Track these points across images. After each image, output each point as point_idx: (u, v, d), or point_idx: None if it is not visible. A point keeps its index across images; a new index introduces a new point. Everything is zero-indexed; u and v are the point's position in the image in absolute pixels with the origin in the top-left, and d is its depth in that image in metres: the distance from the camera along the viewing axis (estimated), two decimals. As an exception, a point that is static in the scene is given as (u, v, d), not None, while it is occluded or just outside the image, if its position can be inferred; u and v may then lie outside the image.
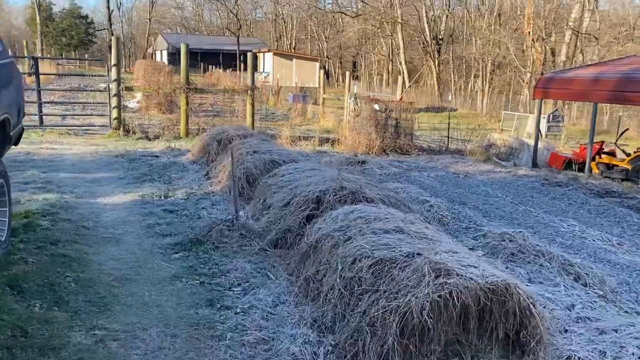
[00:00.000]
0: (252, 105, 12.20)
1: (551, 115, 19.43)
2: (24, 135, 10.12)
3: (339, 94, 38.05)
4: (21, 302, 3.35)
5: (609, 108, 27.51)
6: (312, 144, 12.58)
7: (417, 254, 3.25)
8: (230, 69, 41.97)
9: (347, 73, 16.69)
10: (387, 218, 3.83)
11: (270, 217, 4.78)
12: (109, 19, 56.16)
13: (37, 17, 50.17)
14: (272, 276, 4.06)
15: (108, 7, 56.20)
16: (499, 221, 5.91)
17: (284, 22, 70.67)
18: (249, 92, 12.06)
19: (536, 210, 6.44)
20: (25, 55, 9.85)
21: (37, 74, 10.65)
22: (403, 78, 48.80)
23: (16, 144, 4.92)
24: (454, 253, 3.26)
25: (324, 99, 18.74)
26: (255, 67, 35.57)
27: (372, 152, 12.06)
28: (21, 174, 6.91)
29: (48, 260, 4.04)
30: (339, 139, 13.12)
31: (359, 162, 8.44)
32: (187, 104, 11.46)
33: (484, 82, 39.75)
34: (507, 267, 4.46)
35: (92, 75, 11.29)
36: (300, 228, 4.45)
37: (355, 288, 3.22)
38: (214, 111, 17.23)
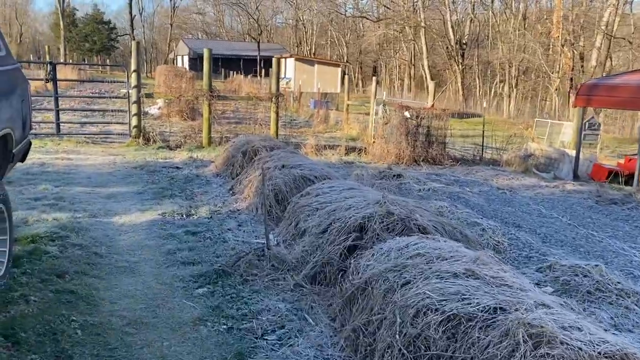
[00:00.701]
0: (277, 114, 11.64)
1: (587, 124, 18.52)
2: (39, 145, 9.72)
3: (358, 99, 37.45)
4: (16, 357, 2.79)
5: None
6: (337, 153, 11.97)
7: (501, 308, 2.61)
8: (251, 74, 41.70)
9: (374, 79, 16.05)
10: (452, 256, 3.18)
11: (305, 245, 4.17)
12: (131, 24, 56.48)
13: (61, 23, 50.66)
14: (311, 320, 3.44)
15: (130, 13, 56.57)
16: (562, 248, 5.20)
17: (304, 27, 70.45)
18: (273, 99, 11.50)
19: (599, 235, 5.72)
20: (47, 59, 9.45)
21: (54, 80, 10.24)
22: (427, 83, 48.03)
23: (22, 160, 4.41)
24: (546, 308, 2.60)
25: (348, 105, 18.12)
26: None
27: (403, 163, 11.41)
28: (33, 189, 6.42)
29: (53, 298, 3.48)
30: (365, 148, 12.49)
31: (393, 175, 7.79)
32: (210, 112, 10.94)
33: (510, 87, 38.69)
34: (584, 309, 3.78)
35: (112, 82, 10.84)
36: (341, 261, 3.83)
37: (422, 351, 2.59)
38: (235, 118, 16.74)
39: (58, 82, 10.78)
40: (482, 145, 14.01)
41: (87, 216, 5.44)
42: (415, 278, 3.01)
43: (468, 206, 6.49)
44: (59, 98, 10.81)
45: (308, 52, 64.96)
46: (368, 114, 21.44)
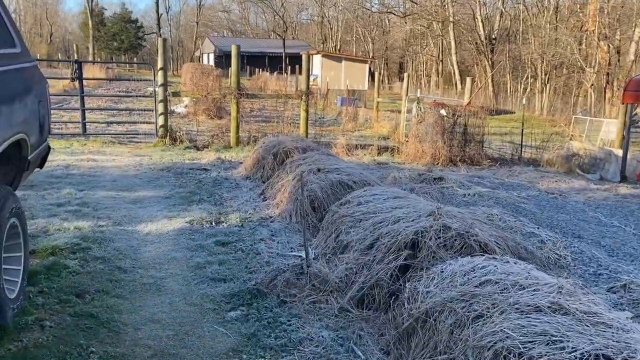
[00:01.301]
0: (307, 112, 11.21)
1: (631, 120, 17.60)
2: (64, 145, 9.49)
3: (384, 95, 36.76)
4: (26, 399, 2.42)
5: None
6: (369, 153, 11.50)
7: (604, 356, 2.12)
8: (276, 71, 41.43)
9: (405, 75, 15.51)
10: (530, 284, 2.69)
11: (349, 262, 3.72)
12: (158, 23, 56.87)
13: (89, 22, 51.25)
14: (360, 353, 2.99)
15: (157, 11, 56.95)
16: (632, 263, 4.64)
17: (330, 24, 69.97)
18: (303, 97, 11.07)
19: (671, 247, 5.12)
20: (76, 58, 9.23)
21: (80, 78, 10.01)
22: (455, 79, 46.99)
23: (41, 166, 4.06)
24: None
25: (378, 102, 17.59)
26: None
27: (439, 163, 10.87)
28: (56, 193, 6.12)
29: (70, 323, 3.12)
30: (398, 148, 11.98)
31: (434, 179, 7.28)
32: (238, 110, 10.58)
33: (543, 83, 37.47)
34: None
35: (139, 80, 10.59)
36: (392, 283, 3.37)
37: (508, 408, 2.12)
38: (262, 117, 16.39)
39: (84, 80, 10.55)
40: (521, 144, 13.34)
41: (110, 224, 5.10)
42: (489, 311, 2.54)
43: (519, 213, 5.95)
44: (85, 97, 10.58)
45: (333, 48, 64.49)
46: (397, 111, 20.87)
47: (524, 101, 18.61)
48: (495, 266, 2.92)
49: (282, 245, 4.78)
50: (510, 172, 9.78)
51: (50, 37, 72.00)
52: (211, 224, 5.38)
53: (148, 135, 10.76)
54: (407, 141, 11.95)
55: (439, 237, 3.47)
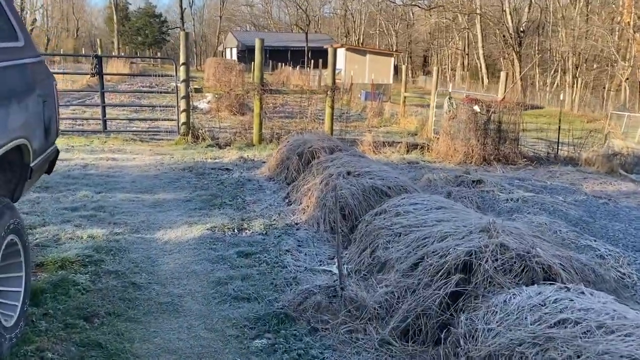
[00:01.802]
0: (332, 108, 10.76)
1: (672, 117, 16.73)
2: (84, 143, 9.22)
3: (409, 89, 35.94)
4: None
5: None
6: (398, 151, 11.01)
7: None
8: (299, 66, 40.98)
9: (434, 69, 14.90)
10: (618, 326, 2.21)
11: (389, 285, 3.27)
12: (181, 17, 56.94)
13: (114, 17, 51.56)
14: (407, 398, 2.55)
15: (180, 6, 57.02)
16: None
17: (352, 17, 69.27)
18: (328, 93, 10.62)
19: None
20: (99, 53, 8.93)
21: (100, 74, 9.73)
22: (482, 73, 45.94)
23: (49, 172, 3.71)
24: None
25: (405, 97, 17.03)
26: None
27: (472, 162, 10.32)
28: (71, 196, 5.81)
29: (75, 354, 2.75)
30: (428, 145, 11.45)
31: (473, 181, 6.76)
32: (261, 107, 10.18)
33: (574, 77, 36.25)
34: None
35: (160, 75, 10.29)
36: (442, 312, 2.92)
37: None
38: (284, 112, 15.99)
39: (105, 76, 10.27)
40: (558, 142, 12.66)
41: (127, 231, 4.75)
42: (571, 362, 2.07)
43: (569, 222, 5.41)
44: (106, 93, 10.32)
45: (356, 42, 63.80)
46: (423, 105, 20.21)
47: (561, 96, 17.79)
48: (571, 300, 2.45)
49: (310, 258, 4.37)
50: (550, 173, 9.19)
51: (77, 32, 72.80)
52: (233, 231, 5.00)
53: (170, 132, 10.44)
54: (438, 138, 11.41)
55: (496, 259, 3.01)
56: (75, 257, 3.92)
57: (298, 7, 62.94)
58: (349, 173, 5.39)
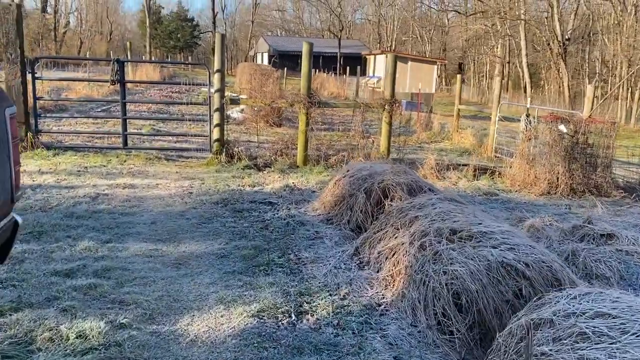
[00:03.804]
0: (390, 125, 9.14)
1: None
2: (100, 163, 7.77)
3: (442, 98, 34.00)
4: None
5: None
6: (464, 175, 9.32)
7: None
8: (331, 72, 39.51)
9: (497, 79, 13.13)
10: None
11: None
12: (214, 21, 56.23)
13: (147, 20, 51.02)
14: None
15: (213, 10, 56.29)
16: None
17: (386, 23, 67.78)
18: (386, 107, 9.01)
19: None
20: (124, 57, 7.49)
21: (122, 81, 8.31)
22: (524, 83, 43.67)
23: (1, 261, 2.19)
24: None
25: (459, 110, 15.27)
26: (363, 71, 32.61)
27: (557, 192, 8.58)
28: (69, 248, 4.33)
29: None
30: (499, 171, 9.70)
31: (601, 235, 5.04)
32: (308, 123, 8.63)
33: (631, 88, 33.75)
34: None
35: (190, 84, 8.84)
36: None
37: None
38: (322, 122, 14.43)
39: (131, 82, 8.87)
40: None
41: (137, 320, 3.22)
42: None
43: None
44: (131, 102, 8.92)
45: (388, 48, 62.13)
46: (467, 116, 18.38)
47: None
48: None
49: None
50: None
51: (110, 35, 72.96)
52: (290, 316, 3.43)
53: (200, 150, 8.98)
54: (507, 161, 9.66)
55: None
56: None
57: (331, 12, 61.66)
58: (453, 232, 3.76)
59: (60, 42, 55.01)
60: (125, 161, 8.02)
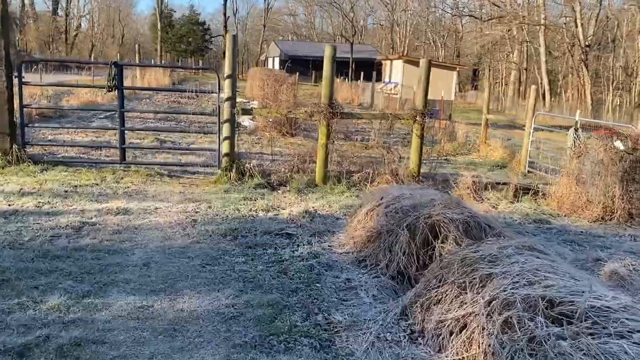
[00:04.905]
0: (421, 138, 8.09)
1: None
2: (93, 180, 6.70)
3: (459, 106, 32.81)
4: None
5: None
6: (504, 196, 8.27)
7: None
8: (343, 77, 38.53)
9: (532, 88, 12.02)
10: None
11: None
12: (225, 25, 55.60)
13: (158, 24, 50.49)
14: None
15: (224, 14, 55.69)
16: None
17: (398, 27, 66.88)
18: (417, 118, 7.96)
19: None
20: (115, 61, 6.42)
21: (120, 88, 7.32)
22: (543, 89, 42.41)
23: None
24: None
25: (487, 120, 14.16)
26: (379, 77, 31.38)
27: (612, 219, 7.50)
28: (32, 308, 3.33)
29: None
30: (541, 191, 8.61)
31: None
32: (329, 136, 7.61)
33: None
34: None
35: (197, 92, 7.83)
36: None
37: None
38: (340, 132, 13.40)
39: (125, 90, 7.91)
40: None
41: None
42: None
43: None
44: (126, 114, 7.95)
45: (401, 53, 61.13)
46: (491, 125, 17.21)
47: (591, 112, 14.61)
48: None
49: None
50: None
51: (122, 39, 72.59)
52: None
53: (208, 165, 7.99)
54: (563, 181, 8.57)
55: None
56: None
57: (344, 16, 60.81)
58: (550, 304, 2.71)
59: (71, 44, 54.59)
60: (122, 178, 7.04)
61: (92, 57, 52.56)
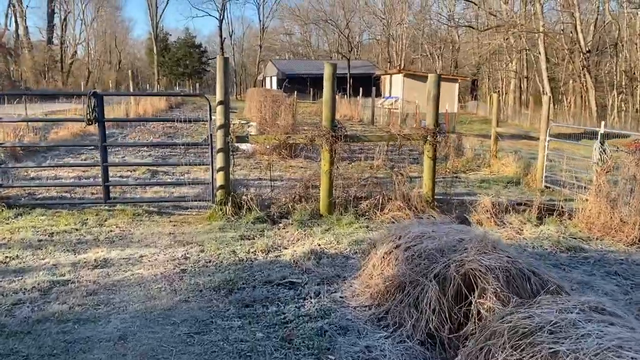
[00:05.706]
0: (434, 160, 7.38)
1: None
2: (73, 224, 5.62)
3: (462, 116, 32.12)
4: None
5: None
6: (527, 219, 7.55)
7: None
8: (341, 93, 38.01)
9: (544, 97, 11.36)
10: None
11: None
12: (221, 47, 55.38)
13: (154, 48, 50.27)
14: None
15: (220, 35, 55.50)
16: None
17: (394, 41, 66.70)
18: (429, 138, 7.27)
19: None
20: (94, 90, 5.71)
21: (101, 120, 6.61)
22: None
23: None
24: None
25: (497, 134, 13.49)
26: (378, 92, 30.82)
27: (651, 242, 6.75)
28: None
29: None
30: (566, 211, 7.87)
31: None
32: (332, 162, 6.92)
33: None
34: None
35: (186, 121, 7.11)
36: None
37: None
38: (343, 151, 12.70)
39: (106, 122, 7.21)
40: None
41: None
42: None
43: None
44: (109, 148, 7.25)
45: (398, 67, 60.81)
46: (498, 138, 16.52)
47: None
48: None
49: None
50: None
51: (119, 64, 72.53)
52: None
53: (201, 200, 7.28)
54: (591, 200, 7.84)
55: None
56: None
57: (340, 33, 60.66)
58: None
59: (67, 73, 54.32)
60: (105, 220, 6.32)
61: (88, 84, 52.24)
